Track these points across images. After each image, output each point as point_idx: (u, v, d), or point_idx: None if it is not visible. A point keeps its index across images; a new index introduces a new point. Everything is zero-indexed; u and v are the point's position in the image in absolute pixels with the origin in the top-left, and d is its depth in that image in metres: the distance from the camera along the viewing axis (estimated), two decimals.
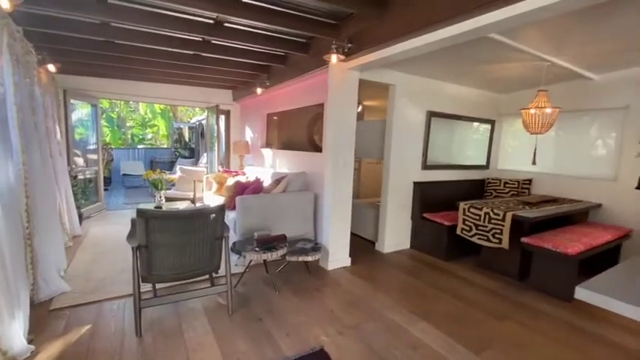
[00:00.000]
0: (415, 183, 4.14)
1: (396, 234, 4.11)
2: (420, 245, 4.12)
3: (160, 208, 3.70)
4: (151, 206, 3.83)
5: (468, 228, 3.52)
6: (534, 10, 1.68)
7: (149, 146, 12.41)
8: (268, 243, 2.88)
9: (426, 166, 4.22)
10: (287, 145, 4.69)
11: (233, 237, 3.27)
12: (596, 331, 2.39)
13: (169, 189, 5.77)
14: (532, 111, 3.32)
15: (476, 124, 4.72)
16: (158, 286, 2.63)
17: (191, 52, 3.82)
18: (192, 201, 5.14)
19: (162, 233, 2.16)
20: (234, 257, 3.24)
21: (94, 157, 5.64)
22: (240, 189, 3.75)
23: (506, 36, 2.60)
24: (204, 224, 2.30)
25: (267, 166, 5.24)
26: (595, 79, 3.80)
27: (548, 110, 3.26)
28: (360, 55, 2.88)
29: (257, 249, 2.81)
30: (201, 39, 3.47)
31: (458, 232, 3.61)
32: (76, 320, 2.33)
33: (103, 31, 3.14)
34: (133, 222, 2.25)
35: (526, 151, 4.56)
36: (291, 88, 4.42)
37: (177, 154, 11.37)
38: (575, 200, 3.95)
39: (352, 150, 3.44)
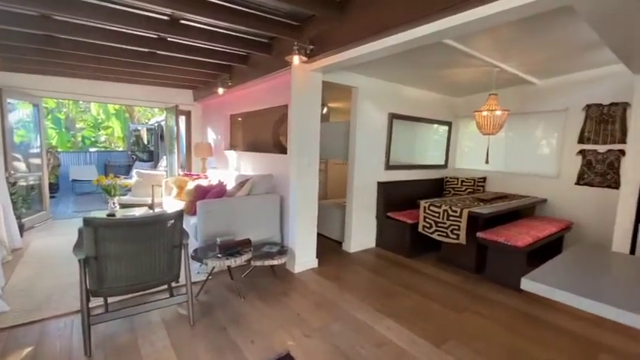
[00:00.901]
0: (379, 183, 4.24)
1: (361, 233, 4.18)
2: (385, 243, 4.23)
3: (113, 215, 3.46)
4: (103, 214, 3.57)
5: (428, 225, 3.66)
6: (480, 18, 1.78)
7: (102, 149, 11.59)
8: (232, 248, 2.80)
9: (389, 167, 4.34)
10: (252, 147, 4.60)
11: (194, 244, 3.14)
12: (545, 317, 2.59)
13: (125, 195, 5.42)
14: (484, 113, 3.54)
15: (435, 125, 4.94)
16: (111, 299, 2.44)
17: (146, 50, 3.62)
18: (151, 207, 4.87)
19: (113, 243, 2.02)
20: (195, 265, 3.11)
21: (37, 161, 5.15)
22: (202, 193, 3.61)
23: (460, 42, 2.75)
24: (160, 232, 2.18)
25: (232, 168, 5.10)
26: (538, 84, 4.13)
27: (498, 112, 3.49)
28: (322, 57, 2.90)
29: (220, 255, 2.71)
30: (156, 36, 3.29)
31: (419, 229, 3.75)
32: (14, 343, 2.10)
33: (43, 25, 2.87)
34: (80, 232, 2.08)
35: (480, 151, 4.85)
36: (256, 89, 4.34)
37: (135, 157, 10.74)
38: (523, 196, 4.26)
39: (317, 151, 3.45)
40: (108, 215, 3.47)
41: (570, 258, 1.45)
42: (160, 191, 5.16)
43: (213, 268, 2.83)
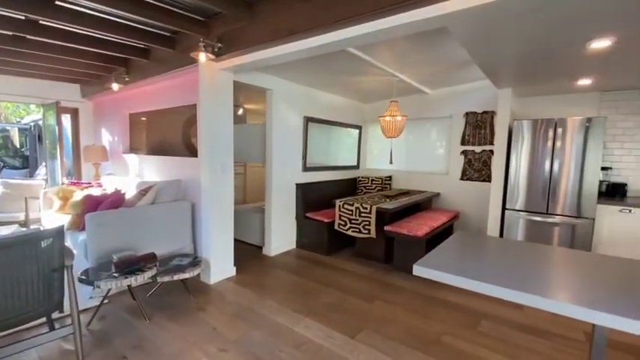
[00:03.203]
0: (297, 184, 4.29)
1: (282, 236, 4.17)
2: (305, 244, 4.31)
3: None
4: None
5: (343, 223, 3.86)
6: (375, 31, 1.96)
7: None
8: (132, 265, 2.47)
9: (306, 168, 4.44)
10: (158, 150, 4.16)
11: (84, 264, 2.68)
12: (439, 296, 2.98)
13: None
14: (387, 118, 3.90)
15: (347, 129, 5.25)
16: None
17: (10, 33, 2.95)
18: (24, 224, 3.98)
19: None
20: (87, 289, 2.67)
21: None
22: (93, 204, 3.11)
23: (364, 52, 2.97)
24: (32, 254, 1.79)
25: (133, 174, 4.53)
26: (430, 93, 4.75)
27: (399, 118, 3.89)
28: (232, 57, 2.79)
29: (116, 274, 2.37)
30: (23, 17, 2.71)
31: (336, 227, 3.93)
32: None
33: None
34: None
35: (386, 152, 5.34)
36: (161, 86, 3.94)
37: (2, 164, 8.67)
38: (422, 191, 4.85)
39: (231, 154, 3.31)
40: None
41: (453, 244, 1.67)
42: (38, 204, 4.27)
43: (109, 290, 2.46)
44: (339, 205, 3.88)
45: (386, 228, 3.58)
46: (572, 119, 3.27)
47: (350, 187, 5.24)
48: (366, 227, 3.65)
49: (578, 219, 3.27)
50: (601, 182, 3.46)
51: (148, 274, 2.49)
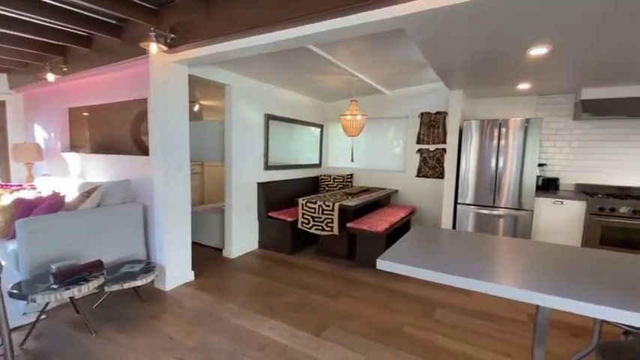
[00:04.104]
0: (259, 183, 4.20)
1: (243, 237, 4.06)
2: (268, 243, 4.23)
3: None
4: None
5: (306, 221, 3.86)
6: (334, 29, 1.97)
7: None
8: (74, 275, 2.24)
9: (268, 167, 4.35)
10: (104, 148, 3.81)
11: (16, 276, 2.38)
12: (399, 288, 3.10)
13: None
14: (348, 117, 3.96)
15: (309, 127, 5.24)
16: None
17: None
18: None
19: None
20: (21, 304, 2.37)
21: None
22: (25, 209, 2.76)
23: (324, 50, 2.98)
24: None
25: (74, 175, 4.11)
26: (387, 94, 4.91)
27: (359, 117, 3.97)
28: (186, 49, 2.64)
29: (55, 286, 2.13)
30: None
31: (299, 225, 3.91)
32: None
33: None
34: None
35: (348, 151, 5.44)
36: (106, 78, 3.61)
37: None
38: (381, 188, 5.00)
39: (187, 152, 3.13)
40: None
41: (411, 238, 1.74)
42: None
43: (47, 303, 2.21)
44: (302, 204, 3.87)
45: (348, 225, 3.63)
46: (514, 120, 3.57)
47: (312, 186, 5.24)
48: (329, 225, 3.67)
49: (520, 211, 3.59)
50: (538, 177, 3.84)
51: (94, 283, 2.27)
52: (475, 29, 2.04)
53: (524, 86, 3.57)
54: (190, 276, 3.21)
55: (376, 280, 3.28)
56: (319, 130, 5.49)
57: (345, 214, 3.72)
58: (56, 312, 2.53)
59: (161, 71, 2.85)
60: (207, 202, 5.68)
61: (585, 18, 1.83)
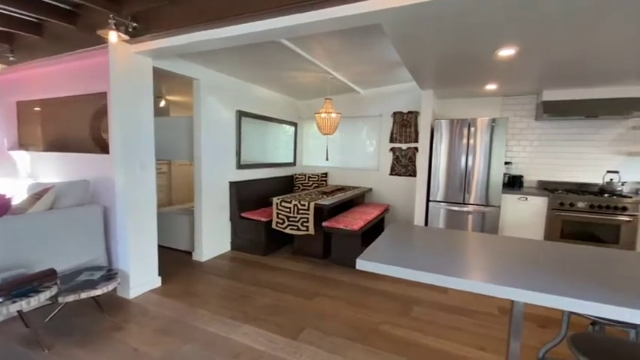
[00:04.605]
0: (231, 183, 4.05)
1: (214, 239, 3.89)
2: (241, 245, 4.09)
3: None
4: None
5: (281, 221, 3.77)
6: (306, 23, 1.91)
7: None
8: (22, 286, 2.01)
9: (240, 166, 4.21)
10: (58, 146, 3.48)
11: None
12: (375, 286, 3.10)
13: None
14: (323, 115, 3.92)
15: (283, 125, 5.14)
16: None
17: None
18: None
19: None
20: None
21: None
22: None
23: (298, 45, 2.91)
24: None
25: (24, 175, 3.74)
26: (361, 93, 4.93)
27: (334, 115, 3.94)
28: (150, 39, 2.46)
29: (0, 299, 1.89)
30: None
31: (273, 226, 3.81)
32: None
33: None
34: None
35: (322, 149, 5.41)
36: (61, 69, 3.30)
37: None
38: (356, 187, 5.02)
39: (151, 150, 2.94)
40: None
41: (389, 236, 1.71)
42: None
43: None
44: (277, 203, 3.77)
45: (324, 224, 3.59)
46: (482, 119, 3.70)
47: (287, 185, 5.15)
48: (305, 224, 3.61)
49: (488, 207, 3.73)
50: (504, 175, 4.01)
51: (46, 294, 2.05)
52: (446, 28, 2.06)
53: (491, 87, 3.71)
54: (157, 282, 3.02)
55: (352, 279, 3.26)
56: (293, 128, 5.41)
57: (321, 213, 3.67)
58: (3, 327, 2.27)
59: (122, 62, 2.64)
60: (176, 203, 5.41)
61: (546, 25, 1.91)
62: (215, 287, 3.05)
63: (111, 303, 2.68)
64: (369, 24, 1.96)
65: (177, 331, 2.30)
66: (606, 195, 3.39)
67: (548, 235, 3.52)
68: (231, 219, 4.10)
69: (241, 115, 4.14)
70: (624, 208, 3.21)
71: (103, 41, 2.59)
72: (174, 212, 4.19)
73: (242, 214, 4.04)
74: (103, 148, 3.07)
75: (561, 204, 3.45)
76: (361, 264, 1.27)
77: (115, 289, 2.83)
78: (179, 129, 3.87)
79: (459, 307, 2.72)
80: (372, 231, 4.71)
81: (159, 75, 3.29)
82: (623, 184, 3.56)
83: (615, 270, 1.23)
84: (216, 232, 3.91)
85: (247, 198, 4.22)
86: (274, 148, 5.00)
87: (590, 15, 1.81)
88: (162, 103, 5.14)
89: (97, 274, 2.54)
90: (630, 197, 3.26)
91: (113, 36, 2.32)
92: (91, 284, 2.36)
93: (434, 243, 1.59)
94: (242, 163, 4.24)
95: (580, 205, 3.38)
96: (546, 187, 3.99)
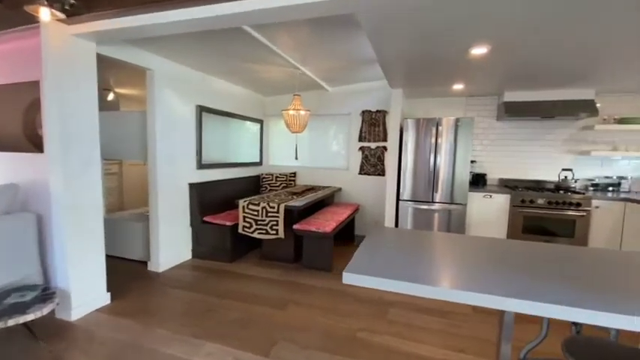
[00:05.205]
0: (191, 184, 3.72)
1: (173, 246, 3.55)
2: (204, 252, 3.78)
3: None
4: None
5: (248, 225, 3.53)
6: (274, 8, 1.74)
7: None
8: None
9: (201, 166, 3.89)
10: None
11: None
12: (349, 290, 2.99)
13: None
14: (291, 112, 3.74)
15: (247, 122, 4.87)
16: None
17: None
18: None
19: None
20: None
21: None
22: None
23: (264, 35, 2.69)
24: None
25: None
26: (329, 90, 4.81)
27: (302, 112, 3.77)
28: (92, 19, 2.12)
29: None
30: None
31: (240, 230, 3.56)
32: None
33: None
34: None
35: (290, 148, 5.21)
36: None
37: None
38: (326, 187, 4.90)
39: (96, 149, 2.56)
40: None
41: (373, 243, 1.59)
42: None
43: None
44: (244, 206, 3.52)
45: (295, 226, 3.41)
46: (447, 119, 3.75)
47: (253, 186, 4.89)
48: (274, 227, 3.41)
49: (455, 205, 3.79)
50: (470, 173, 4.11)
51: None
52: (422, 21, 1.99)
53: (458, 86, 3.77)
54: (105, 299, 2.65)
55: (324, 283, 3.13)
56: (259, 125, 5.15)
57: (291, 215, 3.49)
58: None
59: (58, 46, 2.26)
60: (128, 208, 4.91)
61: (514, 25, 1.91)
62: (175, 301, 2.75)
63: (48, 328, 2.29)
64: (341, 13, 1.83)
65: (130, 356, 2.00)
66: (561, 192, 3.59)
67: (511, 231, 3.66)
68: (192, 224, 3.77)
69: (202, 110, 3.82)
70: (578, 204, 3.42)
71: (34, 20, 2.19)
72: (126, 218, 3.77)
73: (204, 219, 3.73)
74: (38, 145, 2.62)
75: (522, 201, 3.60)
76: (349, 277, 1.13)
77: (52, 312, 2.43)
78: (131, 125, 3.47)
79: (433, 308, 2.69)
80: (344, 232, 4.63)
81: (106, 64, 2.90)
82: (576, 181, 3.80)
83: (589, 270, 1.21)
84: (175, 238, 3.57)
85: (210, 201, 3.91)
86: (239, 146, 4.72)
87: (548, 17, 1.84)
88: (111, 97, 4.62)
89: (30, 295, 2.15)
90: (583, 193, 3.48)
91: (45, 13, 1.95)
92: (21, 308, 1.98)
93: (420, 248, 1.49)
94: (203, 162, 3.92)
95: (539, 201, 3.54)
96: (507, 185, 4.17)
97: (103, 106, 4.33)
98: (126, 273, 3.29)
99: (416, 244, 1.57)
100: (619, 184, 3.75)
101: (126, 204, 5.00)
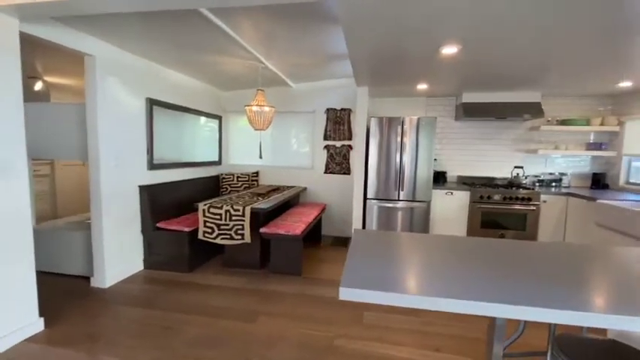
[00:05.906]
0: (141, 187, 3.32)
1: (121, 257, 3.14)
2: (158, 262, 3.40)
3: None
4: None
5: (210, 230, 3.24)
6: None
7: None
8: None
9: (153, 166, 3.50)
10: None
11: None
12: (323, 293, 2.88)
13: None
14: (254, 108, 3.51)
15: (204, 118, 4.52)
16: None
17: None
18: None
19: None
20: None
21: None
22: None
23: (225, 22, 2.46)
24: None
25: None
26: (293, 87, 4.65)
27: (267, 109, 3.57)
28: None
29: None
30: None
31: (200, 236, 3.26)
32: None
33: None
34: None
35: (252, 146, 4.96)
36: None
37: None
38: (290, 186, 4.73)
39: (20, 146, 2.13)
40: None
41: (361, 250, 1.49)
42: None
43: None
44: (204, 210, 3.23)
45: (262, 230, 3.21)
46: (410, 118, 3.80)
47: (212, 187, 4.56)
48: (239, 232, 3.17)
49: (420, 202, 3.87)
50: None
51: None
52: (402, 14, 1.94)
53: (422, 86, 3.84)
54: (38, 326, 2.23)
55: (296, 289, 2.98)
56: (217, 122, 4.81)
57: (257, 218, 3.28)
58: None
59: None
60: (64, 215, 4.29)
61: (479, 30, 1.94)
62: (125, 321, 2.40)
63: None
64: (309, 1, 1.70)
65: None
66: (514, 188, 3.84)
67: (471, 226, 3.83)
68: (143, 231, 3.38)
69: (152, 103, 3.43)
70: (529, 199, 3.68)
71: None
72: (62, 227, 3.25)
73: (158, 225, 3.36)
74: None
75: (481, 197, 3.78)
76: (345, 292, 1.01)
77: None
78: (66, 119, 2.99)
79: (407, 308, 2.68)
80: (312, 233, 4.50)
81: (34, 47, 2.45)
82: (526, 178, 4.09)
83: (557, 266, 1.24)
84: (123, 248, 3.16)
85: (164, 205, 3.54)
86: (195, 144, 4.35)
87: (510, 32, 1.89)
88: (39, 86, 3.98)
89: None
90: (532, 189, 3.75)
91: None
92: None
93: (421, 254, 1.42)
94: (155, 162, 3.53)
95: (495, 197, 3.75)
96: (465, 182, 4.37)
97: (29, 97, 3.72)
98: (64, 292, 2.83)
99: (407, 248, 1.49)
100: (560, 180, 4.12)
101: (60, 211, 4.37)
